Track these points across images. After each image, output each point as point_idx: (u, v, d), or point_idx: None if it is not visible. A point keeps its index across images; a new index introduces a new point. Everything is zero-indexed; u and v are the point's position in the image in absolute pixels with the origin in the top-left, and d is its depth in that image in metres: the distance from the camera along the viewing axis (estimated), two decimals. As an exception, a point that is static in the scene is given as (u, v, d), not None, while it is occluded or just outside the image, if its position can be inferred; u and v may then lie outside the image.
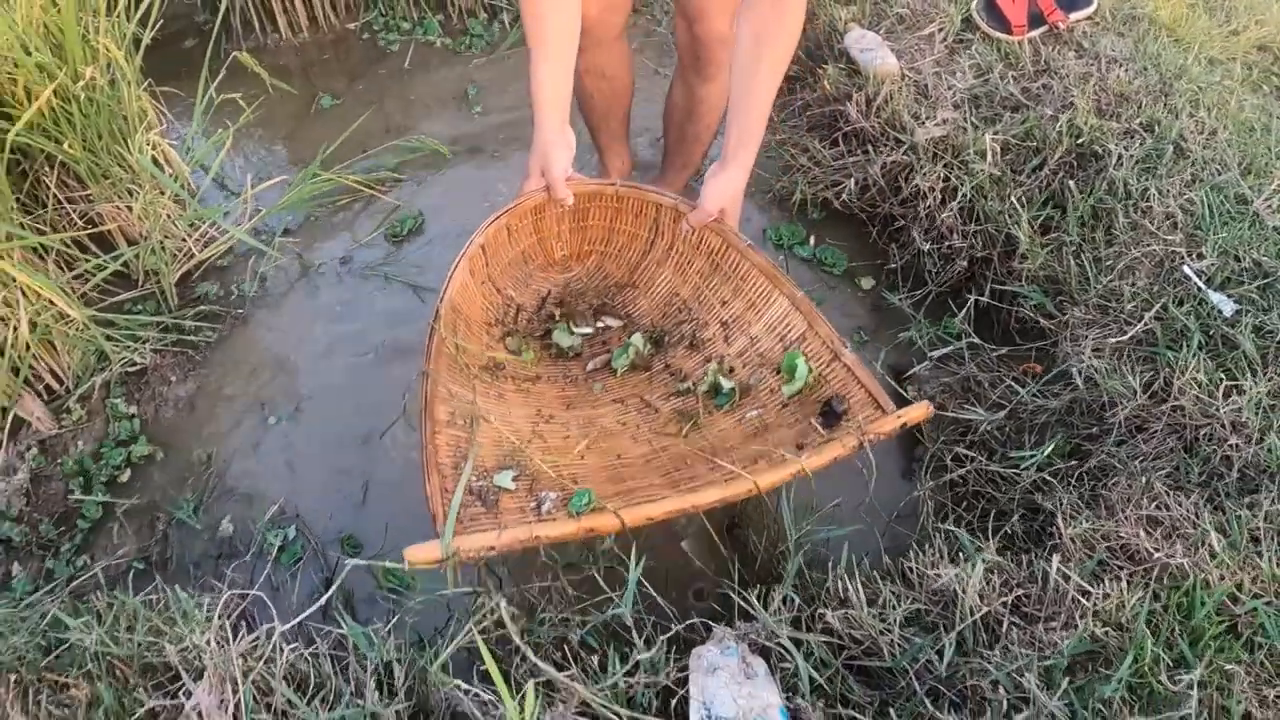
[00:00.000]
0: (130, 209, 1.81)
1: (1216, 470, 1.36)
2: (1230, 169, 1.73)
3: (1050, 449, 1.47)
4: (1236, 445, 1.35)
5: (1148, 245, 1.63)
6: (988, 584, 1.22)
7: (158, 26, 1.93)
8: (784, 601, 1.23)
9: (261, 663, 1.17)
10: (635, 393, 1.55)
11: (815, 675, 1.14)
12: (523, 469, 1.30)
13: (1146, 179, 1.73)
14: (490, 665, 0.97)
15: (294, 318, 1.88)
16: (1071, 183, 1.74)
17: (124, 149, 1.80)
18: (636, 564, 1.21)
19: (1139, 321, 1.55)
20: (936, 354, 1.73)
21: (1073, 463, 1.48)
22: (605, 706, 1.09)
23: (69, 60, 1.74)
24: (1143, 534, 1.24)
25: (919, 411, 1.30)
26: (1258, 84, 2.11)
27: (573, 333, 1.65)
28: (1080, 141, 1.80)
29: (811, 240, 2.03)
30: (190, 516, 1.59)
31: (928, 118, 1.89)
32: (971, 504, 1.53)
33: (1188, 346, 1.48)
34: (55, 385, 1.74)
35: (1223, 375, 1.43)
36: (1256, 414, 1.36)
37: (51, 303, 1.64)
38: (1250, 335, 1.47)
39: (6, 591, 1.50)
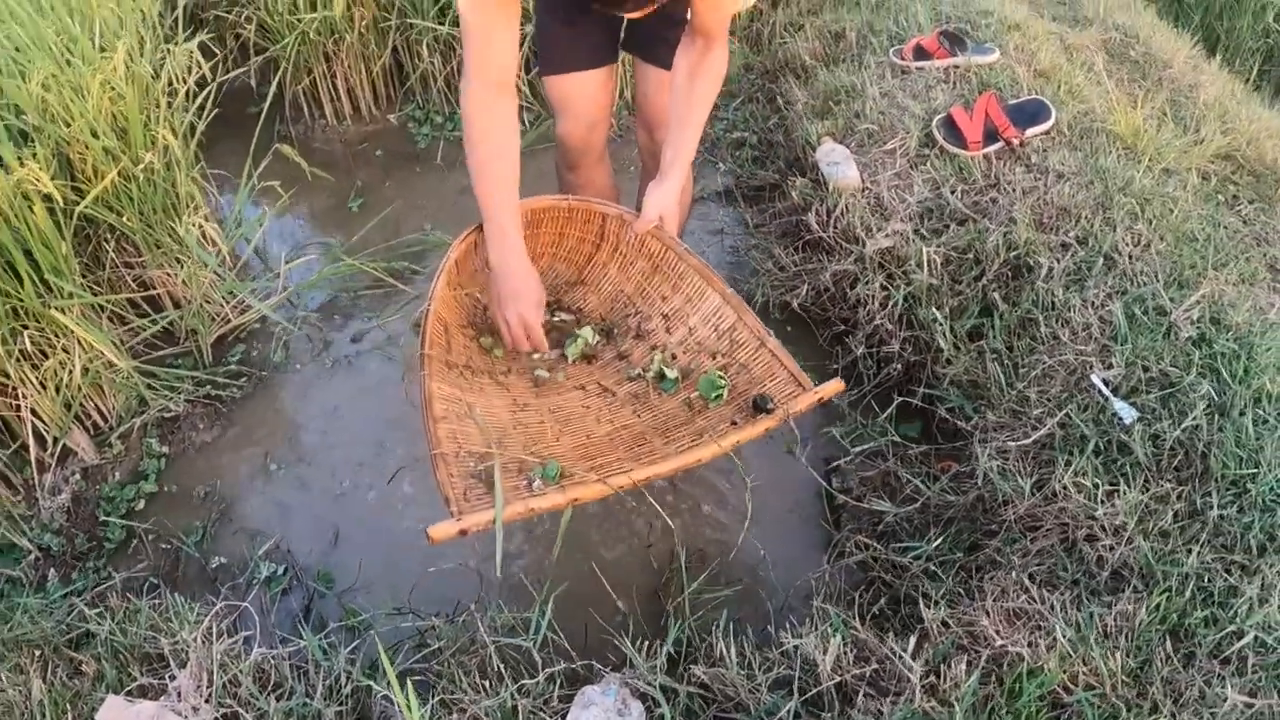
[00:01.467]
0: (176, 276, 2.02)
1: (1090, 569, 1.44)
2: (1155, 281, 1.81)
3: (938, 542, 1.57)
4: (1111, 546, 1.43)
5: (1062, 354, 1.72)
6: (846, 657, 1.33)
7: (214, 112, 2.17)
8: (668, 655, 1.36)
9: (234, 660, 1.41)
10: (594, 379, 1.71)
11: (683, 723, 1.26)
12: (522, 462, 1.48)
13: (1074, 290, 1.83)
14: (389, 672, 1.11)
15: (308, 384, 2.08)
16: (997, 294, 1.85)
17: (175, 223, 2.02)
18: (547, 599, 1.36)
19: (1042, 426, 1.64)
20: (859, 449, 1.84)
21: (970, 555, 1.58)
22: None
23: (132, 145, 1.98)
24: (990, 622, 1.33)
25: (833, 386, 1.52)
26: (1212, 193, 2.17)
27: None
28: (1015, 254, 1.91)
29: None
30: (196, 544, 1.78)
31: (878, 229, 2.01)
32: (878, 589, 1.64)
33: (1081, 452, 1.57)
34: (100, 423, 1.95)
35: (1108, 480, 1.52)
36: (1133, 518, 1.45)
37: (102, 353, 1.86)
38: (1146, 442, 1.55)
39: (42, 590, 1.73)
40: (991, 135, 2.12)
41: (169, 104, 2.08)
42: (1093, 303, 1.78)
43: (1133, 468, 1.54)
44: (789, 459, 1.93)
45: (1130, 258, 1.87)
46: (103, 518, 1.83)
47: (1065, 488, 1.49)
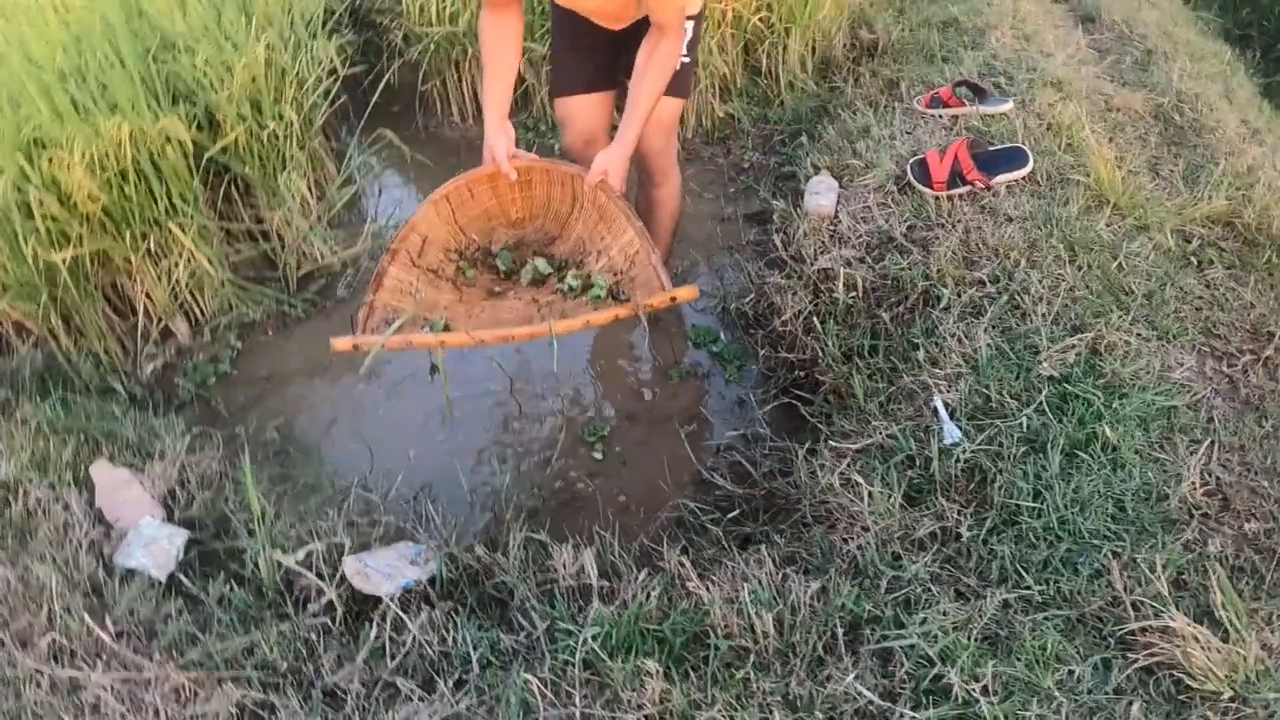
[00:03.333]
0: (276, 219, 2.33)
1: (828, 556, 1.38)
2: (1045, 322, 1.64)
3: (733, 514, 1.53)
4: (853, 541, 1.36)
5: (922, 376, 1.61)
6: (590, 573, 1.37)
7: (341, 99, 2.45)
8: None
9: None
10: (532, 295, 1.91)
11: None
12: (425, 319, 1.77)
13: (967, 322, 1.69)
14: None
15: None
16: (887, 317, 1.74)
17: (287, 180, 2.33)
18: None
19: (875, 435, 1.55)
20: (731, 433, 1.81)
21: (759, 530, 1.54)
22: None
23: (263, 115, 2.31)
24: (708, 581, 1.31)
25: (685, 292, 1.66)
26: (1184, 254, 1.90)
27: (510, 261, 2.01)
28: (929, 284, 1.79)
29: (722, 338, 2.13)
30: (232, 411, 2.07)
31: (823, 253, 1.95)
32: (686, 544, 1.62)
33: (891, 462, 1.48)
34: (201, 317, 2.29)
35: (900, 489, 1.42)
36: (881, 522, 1.36)
37: (206, 261, 2.20)
38: (948, 462, 1.44)
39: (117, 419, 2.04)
40: (957, 178, 1.98)
41: (299, 86, 2.39)
42: (965, 335, 1.65)
43: (928, 483, 1.43)
44: (687, 432, 1.92)
45: (1036, 299, 1.70)
46: (177, 380, 2.14)
47: (832, 485, 1.41)
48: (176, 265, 2.18)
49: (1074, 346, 1.59)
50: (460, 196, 1.93)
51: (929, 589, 1.25)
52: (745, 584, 1.31)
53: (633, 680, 1.17)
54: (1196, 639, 1.13)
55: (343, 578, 1.50)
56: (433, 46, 2.66)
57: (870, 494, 1.40)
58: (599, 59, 1.96)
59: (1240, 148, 2.29)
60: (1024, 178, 2.01)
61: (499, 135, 1.86)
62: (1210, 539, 1.33)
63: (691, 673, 1.20)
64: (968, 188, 1.98)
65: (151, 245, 2.18)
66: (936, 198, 1.99)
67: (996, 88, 2.35)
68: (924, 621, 1.18)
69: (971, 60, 2.51)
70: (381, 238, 2.43)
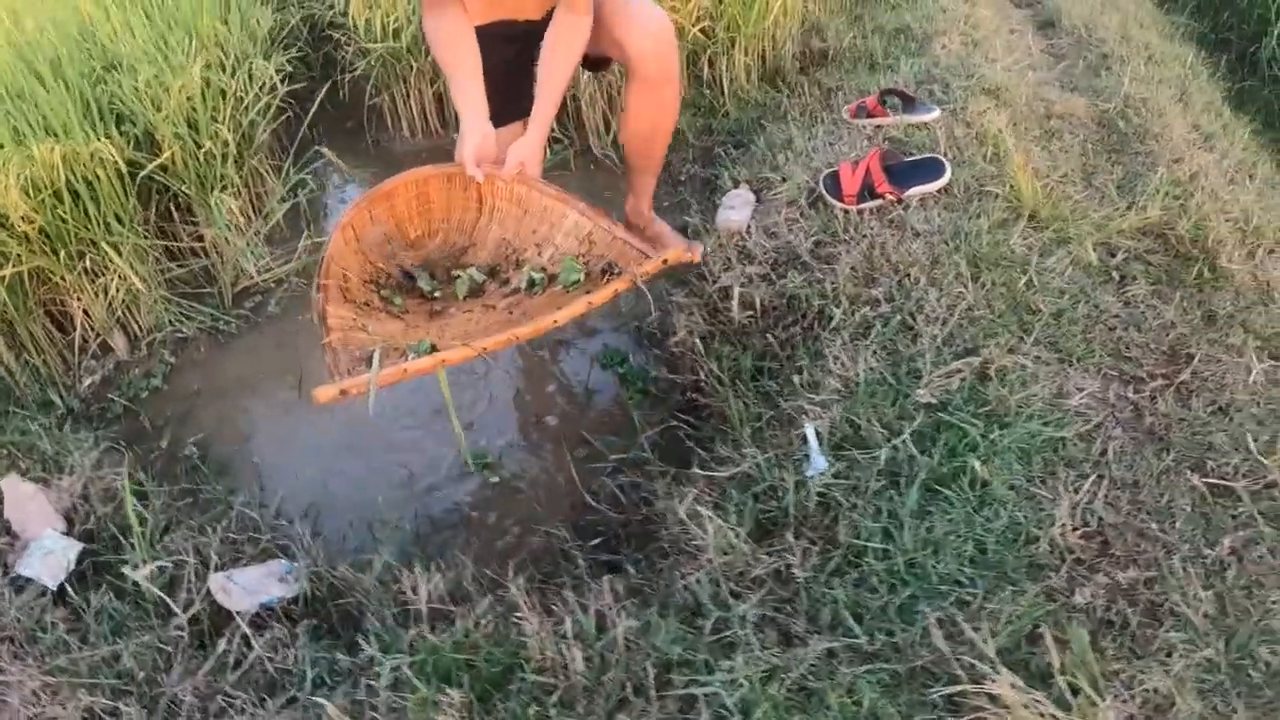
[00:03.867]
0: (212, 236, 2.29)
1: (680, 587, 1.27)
2: (933, 345, 1.51)
3: (595, 542, 1.43)
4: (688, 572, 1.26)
5: (798, 401, 1.49)
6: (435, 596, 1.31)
7: (285, 115, 2.40)
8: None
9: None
10: (479, 304, 1.71)
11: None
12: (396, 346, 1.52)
13: (856, 343, 1.57)
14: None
15: (287, 334, 2.26)
16: (777, 336, 1.63)
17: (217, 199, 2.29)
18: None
19: (744, 463, 1.44)
20: (615, 457, 1.70)
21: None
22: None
23: (200, 134, 2.27)
24: (529, 607, 1.22)
25: (676, 253, 1.51)
26: (1106, 269, 1.75)
27: (430, 280, 1.81)
28: (822, 304, 1.66)
29: (630, 359, 2.02)
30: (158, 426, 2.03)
31: (725, 270, 1.83)
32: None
33: (750, 493, 1.37)
34: (140, 333, 2.26)
35: (752, 522, 1.31)
36: (722, 554, 1.25)
37: (142, 278, 2.17)
38: (805, 495, 1.33)
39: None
40: (868, 191, 1.85)
41: (238, 105, 2.34)
42: (849, 358, 1.52)
43: (783, 517, 1.32)
44: (580, 456, 1.82)
45: (930, 319, 1.57)
46: (110, 395, 2.11)
47: (673, 513, 1.31)
48: (112, 283, 2.15)
49: (959, 371, 1.46)
50: (361, 221, 1.76)
51: (755, 633, 1.14)
52: (569, 616, 1.22)
53: (427, 708, 1.10)
54: (1027, 708, 1.01)
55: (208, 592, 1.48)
56: (379, 62, 2.59)
57: (713, 527, 1.29)
58: (506, 82, 1.82)
59: (1186, 154, 2.11)
60: (940, 190, 1.87)
61: (465, 136, 1.67)
62: (1079, 588, 1.20)
63: (499, 706, 1.12)
64: (878, 201, 1.84)
65: (88, 263, 2.15)
66: (846, 211, 1.86)
67: (930, 96, 2.21)
68: (732, 669, 1.07)
69: (910, 68, 2.36)
70: (315, 255, 2.37)
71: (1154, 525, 1.30)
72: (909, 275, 1.67)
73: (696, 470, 1.48)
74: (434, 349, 1.41)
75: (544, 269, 1.67)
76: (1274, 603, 1.19)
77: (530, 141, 1.70)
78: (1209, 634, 1.15)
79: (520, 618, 1.24)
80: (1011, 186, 1.85)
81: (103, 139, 2.14)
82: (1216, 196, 1.97)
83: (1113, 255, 1.81)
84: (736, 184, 2.11)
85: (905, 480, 1.30)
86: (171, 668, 1.36)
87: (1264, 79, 2.86)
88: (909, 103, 2.13)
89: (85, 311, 2.19)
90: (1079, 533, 1.27)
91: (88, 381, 2.19)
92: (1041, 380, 1.48)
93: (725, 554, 1.28)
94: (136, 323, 2.26)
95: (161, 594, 1.41)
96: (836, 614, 1.16)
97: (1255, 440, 1.43)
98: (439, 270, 1.83)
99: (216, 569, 1.54)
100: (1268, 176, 2.22)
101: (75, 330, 2.18)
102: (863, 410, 1.42)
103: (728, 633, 1.17)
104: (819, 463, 1.38)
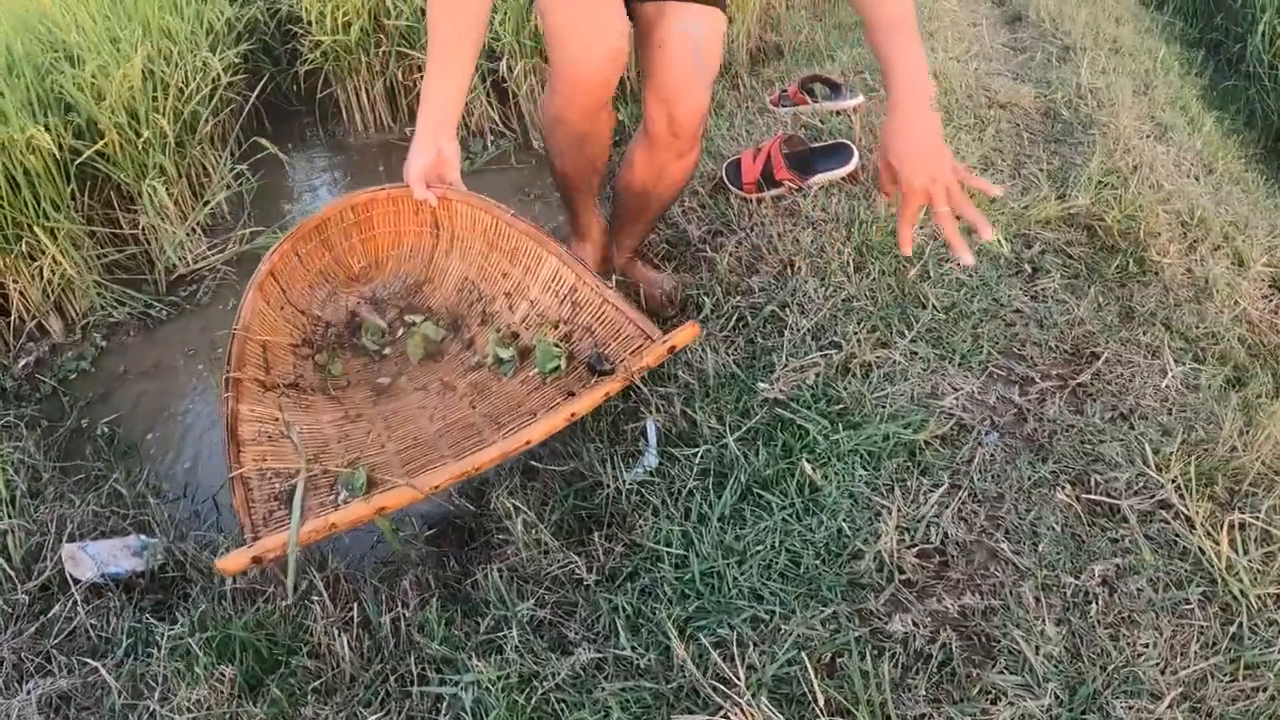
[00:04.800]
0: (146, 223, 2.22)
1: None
2: (795, 337, 1.33)
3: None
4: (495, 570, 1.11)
5: (645, 394, 1.33)
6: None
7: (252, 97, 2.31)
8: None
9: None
10: (437, 377, 1.37)
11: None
12: (326, 469, 1.16)
13: (723, 335, 1.40)
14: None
15: (214, 323, 2.16)
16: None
17: (159, 185, 2.22)
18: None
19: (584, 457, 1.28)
20: None
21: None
22: None
23: (141, 124, 2.20)
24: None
25: (686, 333, 1.11)
26: (1027, 263, 1.54)
27: (372, 337, 1.48)
28: (697, 294, 1.49)
29: None
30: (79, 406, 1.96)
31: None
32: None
33: (572, 489, 1.21)
34: (74, 316, 2.20)
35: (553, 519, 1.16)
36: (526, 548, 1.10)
37: (75, 263, 2.11)
38: (624, 495, 1.16)
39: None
40: (768, 178, 1.67)
41: (180, 96, 2.27)
42: (707, 349, 1.35)
43: (601, 514, 1.16)
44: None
45: (802, 311, 1.39)
46: (40, 376, 2.05)
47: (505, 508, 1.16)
48: (46, 268, 2.10)
49: (815, 365, 1.27)
50: (286, 267, 1.44)
51: (525, 634, 0.98)
52: (356, 604, 1.08)
53: (185, 678, 0.99)
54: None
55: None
56: (330, 55, 2.50)
57: (522, 521, 1.13)
58: None
59: (1133, 144, 1.87)
60: (846, 177, 1.68)
61: (430, 148, 1.27)
62: (899, 613, 1.00)
63: (268, 686, 1.00)
64: (778, 189, 1.66)
65: (24, 247, 2.10)
66: (744, 200, 1.68)
67: (863, 84, 2.01)
68: (481, 671, 0.92)
69: (849, 57, 2.16)
70: (250, 245, 2.28)
71: (1008, 546, 1.10)
72: (792, 265, 1.48)
73: (533, 463, 1.33)
74: (369, 483, 1.09)
75: (515, 335, 1.35)
76: (1144, 645, 0.97)
77: (920, 123, 1.13)
78: (1049, 679, 0.94)
79: (314, 601, 1.11)
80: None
81: (39, 127, 2.08)
82: (1159, 188, 1.74)
83: (1029, 247, 1.60)
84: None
85: (731, 482, 1.12)
86: (8, 629, 1.30)
87: (1249, 76, 2.57)
88: (835, 90, 1.94)
89: (22, 294, 2.14)
90: (915, 550, 1.08)
91: (23, 362, 2.14)
92: (911, 378, 1.29)
93: (528, 549, 1.12)
94: (72, 306, 2.21)
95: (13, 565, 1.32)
96: (613, 623, 0.99)
97: (1156, 452, 1.21)
98: (389, 310, 1.53)
99: (75, 539, 1.46)
100: (1230, 171, 1.97)
101: (12, 312, 2.14)
102: (703, 405, 1.25)
103: (501, 633, 1.01)
104: (649, 460, 1.21)
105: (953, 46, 2.23)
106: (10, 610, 1.31)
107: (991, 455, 1.22)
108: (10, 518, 1.47)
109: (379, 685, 1.00)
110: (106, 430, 1.91)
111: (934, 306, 1.42)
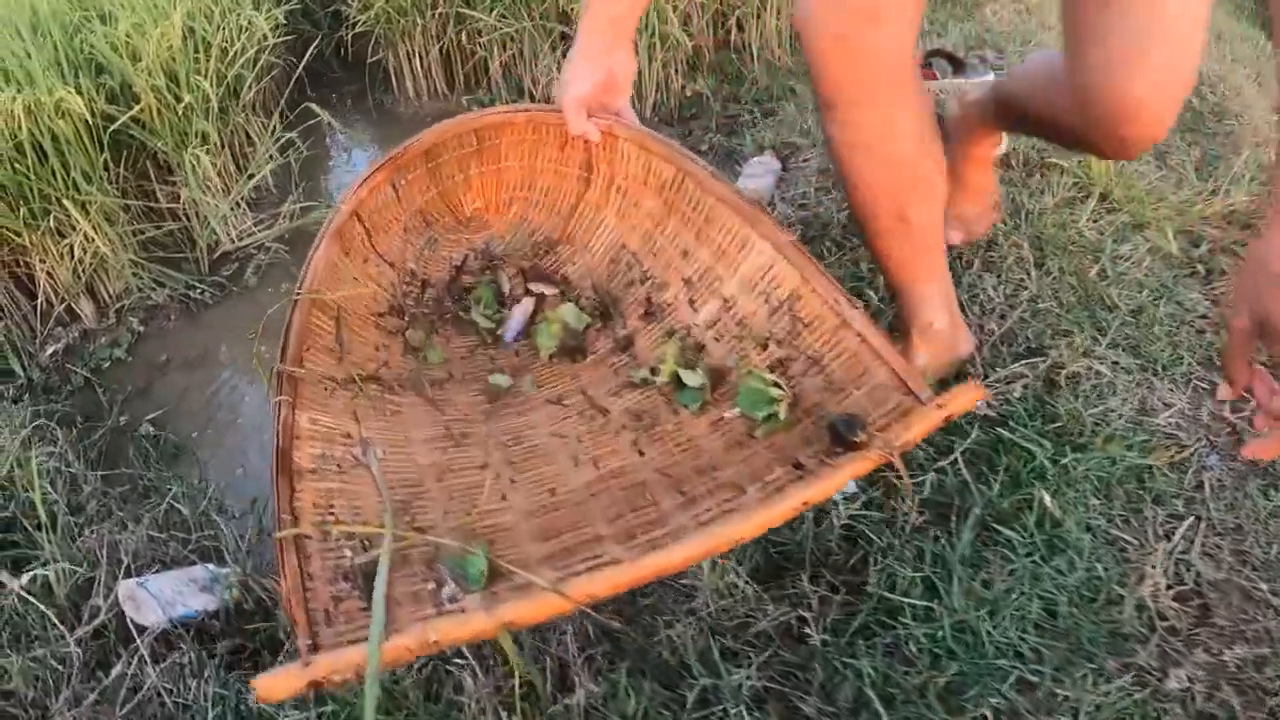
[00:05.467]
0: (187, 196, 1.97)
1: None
2: (988, 341, 1.15)
3: None
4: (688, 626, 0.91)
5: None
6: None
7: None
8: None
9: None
10: (577, 387, 0.97)
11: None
12: (422, 530, 0.76)
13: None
14: None
15: (263, 305, 1.92)
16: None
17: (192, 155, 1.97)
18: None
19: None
20: None
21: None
22: None
23: (180, 87, 1.95)
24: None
25: (968, 395, 0.71)
26: (1196, 262, 1.38)
27: (485, 311, 1.08)
28: (856, 285, 1.31)
29: None
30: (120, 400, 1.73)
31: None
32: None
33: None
34: (107, 299, 1.96)
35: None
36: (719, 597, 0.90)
37: (108, 240, 1.86)
38: (824, 524, 0.98)
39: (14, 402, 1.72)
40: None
41: (222, 57, 2.02)
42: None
43: (797, 551, 0.97)
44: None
45: (986, 311, 1.21)
46: (71, 366, 1.82)
47: None
48: (78, 245, 1.85)
49: (1023, 376, 1.10)
50: (376, 204, 1.06)
51: (751, 712, 0.80)
52: (517, 670, 0.89)
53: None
54: None
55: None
56: (381, 16, 2.25)
57: (708, 562, 0.94)
58: None
59: (1270, 137, 1.71)
60: (996, 161, 1.49)
61: (574, 62, 0.97)
62: (1172, 668, 0.84)
63: None
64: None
65: (52, 223, 1.85)
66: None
67: (981, 61, 1.82)
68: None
69: (959, 33, 1.98)
70: (302, 221, 2.04)
71: (1264, 586, 0.94)
72: (960, 257, 1.31)
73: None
74: (488, 571, 0.69)
75: (700, 348, 0.93)
76: None
77: None
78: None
79: (459, 666, 0.92)
80: (1079, 161, 1.48)
81: (69, 89, 1.83)
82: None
83: (1195, 246, 1.43)
84: (761, 150, 1.75)
85: (957, 514, 0.95)
86: (60, 690, 1.07)
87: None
88: (958, 66, 1.75)
89: (50, 274, 1.89)
90: (1173, 592, 0.92)
91: (50, 350, 1.89)
92: (1120, 392, 1.12)
93: (723, 597, 0.94)
94: (106, 288, 1.96)
95: (44, 606, 1.10)
96: (860, 694, 0.81)
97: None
98: (508, 273, 1.13)
99: (131, 572, 1.24)
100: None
101: (39, 295, 1.89)
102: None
103: (716, 708, 0.83)
104: (848, 485, 1.03)
105: (1059, 23, 2.06)
106: (61, 668, 1.07)
107: (1220, 480, 1.06)
108: (51, 543, 1.24)
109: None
110: (151, 431, 1.68)
111: (1121, 309, 1.25)
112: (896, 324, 1.08)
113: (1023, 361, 1.12)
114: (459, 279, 1.12)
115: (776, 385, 0.83)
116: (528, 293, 1.09)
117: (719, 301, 0.95)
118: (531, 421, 0.93)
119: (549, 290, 1.10)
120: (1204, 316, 1.29)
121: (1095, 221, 1.38)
